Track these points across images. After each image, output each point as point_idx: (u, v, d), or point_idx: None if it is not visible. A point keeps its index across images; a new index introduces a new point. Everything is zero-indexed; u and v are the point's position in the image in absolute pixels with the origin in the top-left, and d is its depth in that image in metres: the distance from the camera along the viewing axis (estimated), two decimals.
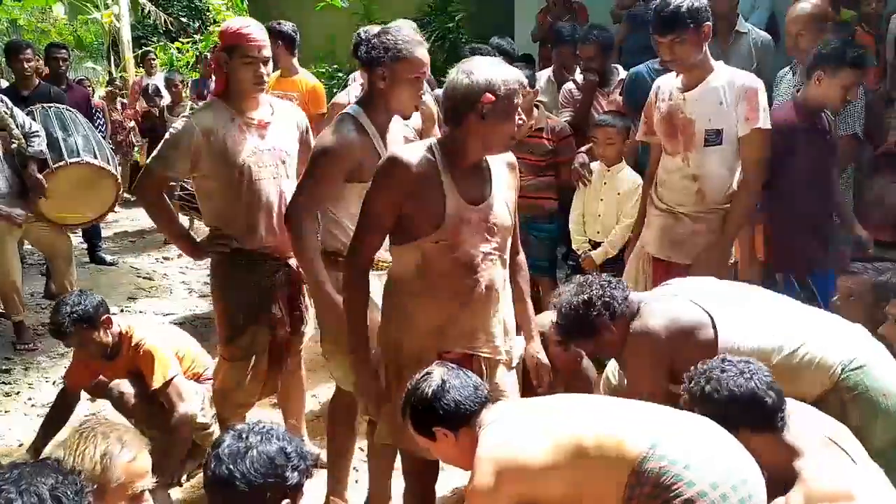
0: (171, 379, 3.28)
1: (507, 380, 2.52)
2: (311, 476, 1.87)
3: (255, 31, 3.01)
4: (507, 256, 2.48)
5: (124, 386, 3.37)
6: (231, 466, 1.73)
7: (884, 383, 2.39)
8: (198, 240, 3.35)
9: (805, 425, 2.17)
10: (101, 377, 3.50)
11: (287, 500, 1.78)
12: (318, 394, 4.28)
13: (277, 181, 3.11)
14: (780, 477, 2.09)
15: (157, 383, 3.25)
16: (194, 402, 3.33)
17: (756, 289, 2.83)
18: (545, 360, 2.68)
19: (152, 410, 3.33)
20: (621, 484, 1.87)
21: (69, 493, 1.48)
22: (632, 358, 2.57)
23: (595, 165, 4.27)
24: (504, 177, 2.47)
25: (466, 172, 2.37)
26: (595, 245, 4.28)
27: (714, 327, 2.46)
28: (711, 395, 2.11)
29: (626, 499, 1.87)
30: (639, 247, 3.64)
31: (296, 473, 1.79)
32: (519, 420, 2.08)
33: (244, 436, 1.79)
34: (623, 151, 4.21)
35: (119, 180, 5.29)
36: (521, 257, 2.68)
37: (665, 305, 2.56)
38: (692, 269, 3.31)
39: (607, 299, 2.57)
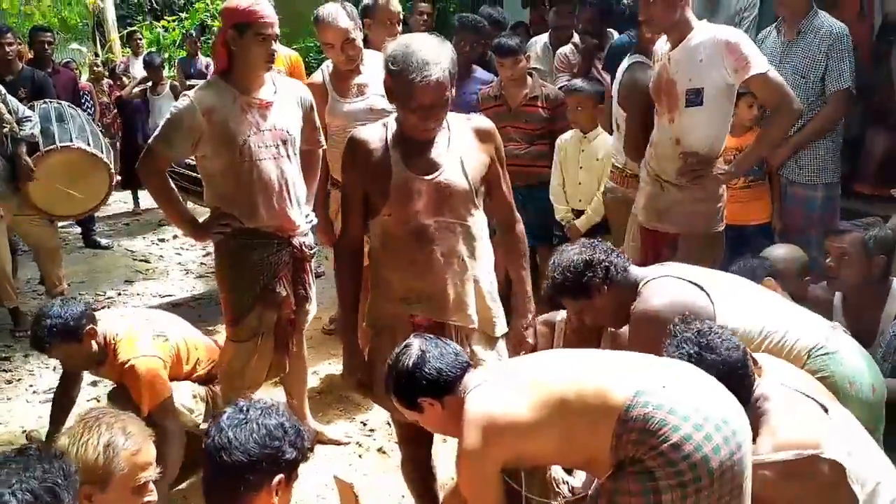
0: (160, 402, 3.08)
1: (487, 351, 2.51)
2: (307, 458, 1.89)
3: (267, 7, 2.97)
4: (470, 223, 2.45)
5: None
6: (230, 435, 1.78)
7: (851, 370, 2.43)
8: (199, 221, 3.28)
9: (776, 379, 2.22)
10: None
11: (281, 476, 1.80)
12: (319, 370, 4.30)
13: (278, 162, 3.07)
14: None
15: (144, 409, 3.00)
16: (180, 419, 3.15)
17: (735, 277, 2.84)
18: (530, 338, 2.66)
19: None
20: (609, 433, 1.89)
21: (59, 480, 1.48)
22: (634, 337, 2.58)
23: (572, 133, 4.26)
24: (468, 143, 2.45)
25: (418, 144, 2.38)
26: (578, 213, 4.27)
27: (713, 308, 2.48)
28: (672, 355, 2.17)
29: (614, 447, 1.89)
30: (633, 213, 3.63)
31: (292, 450, 1.83)
32: (503, 380, 2.09)
33: (245, 409, 1.85)
34: (596, 118, 4.20)
35: (112, 170, 5.21)
36: (519, 229, 2.65)
37: (666, 286, 2.56)
38: (683, 237, 3.31)
39: (607, 265, 2.60)
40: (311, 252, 3.29)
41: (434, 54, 2.26)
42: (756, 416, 2.13)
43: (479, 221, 2.49)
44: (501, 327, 2.58)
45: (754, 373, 2.19)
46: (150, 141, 3.11)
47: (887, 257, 3.03)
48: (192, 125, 2.95)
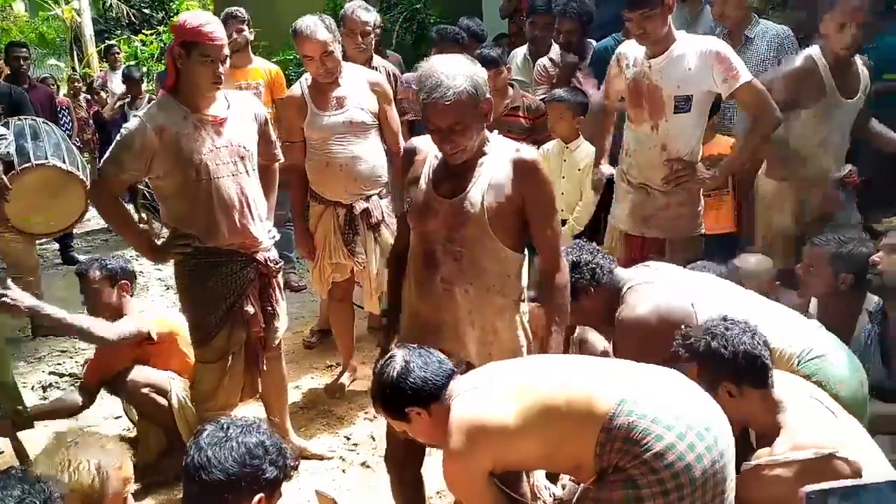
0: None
1: None
2: (289, 477, 1.88)
3: (216, 27, 2.90)
4: (479, 254, 2.35)
5: (133, 373, 3.47)
6: (209, 454, 1.77)
7: (840, 372, 2.49)
8: (158, 241, 3.23)
9: (788, 385, 2.28)
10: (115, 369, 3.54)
11: (261, 495, 1.79)
12: (301, 385, 4.27)
13: (237, 178, 3.01)
14: (767, 431, 2.22)
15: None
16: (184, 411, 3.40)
17: (716, 279, 2.88)
18: None
19: (156, 403, 3.43)
20: (593, 440, 1.92)
21: (37, 502, 1.47)
22: (621, 343, 2.60)
23: (554, 143, 4.26)
24: (501, 173, 2.33)
25: (453, 166, 2.35)
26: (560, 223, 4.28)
27: (696, 314, 2.52)
28: (719, 350, 2.20)
29: (598, 455, 1.92)
30: (611, 225, 3.65)
31: (273, 468, 1.82)
32: (490, 385, 2.10)
33: (225, 427, 1.84)
34: (578, 128, 4.22)
35: (88, 187, 5.15)
36: (560, 279, 2.40)
37: (652, 291, 2.57)
38: (670, 242, 3.33)
39: (593, 266, 2.62)
40: (277, 267, 3.23)
41: (449, 76, 2.20)
42: (774, 419, 2.20)
43: (491, 255, 2.35)
44: None
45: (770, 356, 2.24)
46: (101, 164, 3.03)
47: (855, 275, 2.94)
48: (143, 144, 2.86)
